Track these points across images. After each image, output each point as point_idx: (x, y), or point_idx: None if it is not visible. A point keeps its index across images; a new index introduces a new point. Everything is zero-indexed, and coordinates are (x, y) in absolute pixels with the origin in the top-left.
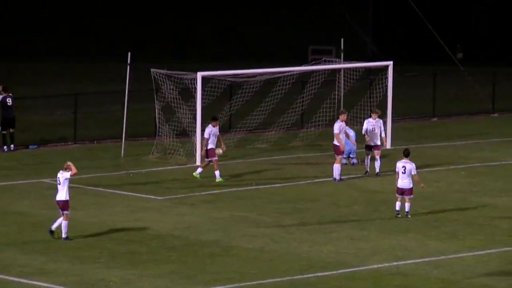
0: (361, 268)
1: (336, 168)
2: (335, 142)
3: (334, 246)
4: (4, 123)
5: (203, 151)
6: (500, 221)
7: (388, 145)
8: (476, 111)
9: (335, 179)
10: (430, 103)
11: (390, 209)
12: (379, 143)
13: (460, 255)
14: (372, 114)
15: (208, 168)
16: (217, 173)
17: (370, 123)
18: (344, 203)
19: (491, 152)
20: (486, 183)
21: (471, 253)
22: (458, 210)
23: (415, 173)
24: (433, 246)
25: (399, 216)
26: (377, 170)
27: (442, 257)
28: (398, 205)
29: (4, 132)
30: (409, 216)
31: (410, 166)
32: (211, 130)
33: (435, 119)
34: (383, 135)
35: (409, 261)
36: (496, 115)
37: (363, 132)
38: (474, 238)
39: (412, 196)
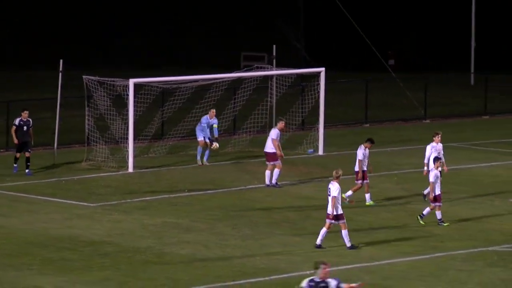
0: (294, 274)
1: (267, 174)
2: (269, 150)
3: (266, 252)
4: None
5: None
6: (432, 227)
7: (321, 152)
8: (408, 117)
9: (268, 184)
10: (362, 109)
11: (323, 215)
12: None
13: (393, 260)
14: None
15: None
16: None
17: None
18: (277, 209)
19: (423, 158)
20: (419, 189)
21: (404, 259)
22: (391, 216)
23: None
24: (365, 252)
25: None
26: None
27: (375, 263)
28: None
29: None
30: None
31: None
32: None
33: (367, 125)
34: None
35: (341, 267)
36: (428, 121)
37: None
38: (407, 244)
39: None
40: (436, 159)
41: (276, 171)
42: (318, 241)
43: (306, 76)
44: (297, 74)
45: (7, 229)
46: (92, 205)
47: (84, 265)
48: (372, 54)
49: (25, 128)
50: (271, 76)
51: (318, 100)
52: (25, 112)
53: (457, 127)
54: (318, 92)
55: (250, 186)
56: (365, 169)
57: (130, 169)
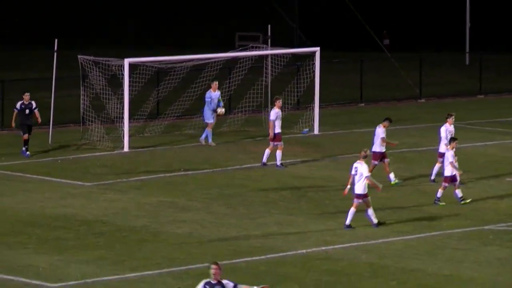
0: (289, 253)
1: (267, 153)
2: (275, 131)
3: (262, 231)
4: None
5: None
6: (428, 206)
7: (316, 131)
8: (404, 97)
9: (264, 163)
10: (357, 89)
11: (318, 195)
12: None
13: (389, 239)
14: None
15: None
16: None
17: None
18: (272, 188)
19: (419, 138)
20: (414, 169)
21: (399, 238)
22: (386, 195)
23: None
24: (362, 231)
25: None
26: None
27: (372, 241)
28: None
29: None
30: None
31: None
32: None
33: (362, 104)
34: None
35: (337, 246)
36: (423, 100)
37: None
38: (403, 223)
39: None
40: (452, 139)
41: (279, 153)
42: (348, 222)
43: (301, 56)
44: (292, 54)
45: (2, 208)
46: (87, 184)
47: (79, 244)
48: (367, 34)
49: (27, 111)
50: (266, 56)
51: (313, 79)
52: (26, 95)
53: (452, 107)
54: (313, 72)
55: (246, 166)
56: (384, 150)
57: (126, 149)
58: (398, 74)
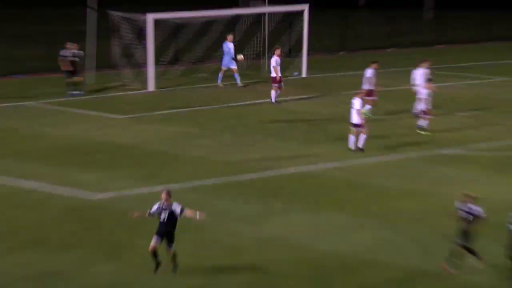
0: (282, 171)
1: (273, 94)
2: (272, 74)
3: (260, 154)
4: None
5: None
6: (396, 136)
7: (304, 74)
8: (378, 46)
9: (273, 102)
10: (340, 40)
11: (309, 125)
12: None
13: (361, 161)
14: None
15: None
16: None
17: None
18: (269, 121)
19: (391, 80)
20: (386, 106)
21: (370, 160)
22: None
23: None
24: (340, 154)
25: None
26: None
27: (347, 162)
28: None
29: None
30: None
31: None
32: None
33: (342, 53)
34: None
35: (319, 165)
36: (390, 50)
37: None
38: (375, 147)
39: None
40: (429, 80)
41: (277, 92)
42: (352, 146)
43: (293, 13)
44: (286, 11)
45: (53, 136)
46: (120, 117)
47: (115, 164)
48: None
49: (71, 58)
50: (264, 13)
51: (302, 32)
52: (70, 44)
53: (415, 55)
54: (302, 26)
55: (248, 102)
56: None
57: (151, 89)
58: (372, 27)
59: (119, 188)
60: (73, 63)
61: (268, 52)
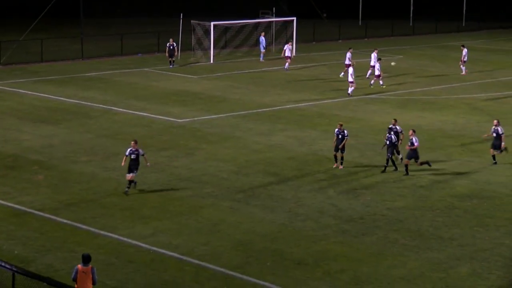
0: (286, 106)
1: (286, 65)
2: (287, 54)
3: (270, 98)
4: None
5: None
6: (339, 85)
7: (294, 54)
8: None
9: (285, 69)
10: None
11: (313, 83)
12: None
13: (324, 101)
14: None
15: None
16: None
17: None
18: (282, 79)
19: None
20: (331, 74)
21: (329, 101)
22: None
23: None
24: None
25: None
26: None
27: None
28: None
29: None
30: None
31: None
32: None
33: (314, 42)
34: None
35: (303, 104)
36: (340, 41)
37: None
38: (325, 96)
39: None
40: (378, 59)
41: (287, 65)
42: (350, 92)
43: (287, 21)
44: (284, 20)
45: (156, 87)
46: (195, 77)
47: (192, 103)
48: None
49: (171, 47)
50: (270, 22)
51: (293, 31)
52: (170, 39)
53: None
54: (292, 32)
55: (267, 69)
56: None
57: (212, 61)
58: (333, 29)
59: (193, 116)
60: (171, 49)
61: (274, 42)
